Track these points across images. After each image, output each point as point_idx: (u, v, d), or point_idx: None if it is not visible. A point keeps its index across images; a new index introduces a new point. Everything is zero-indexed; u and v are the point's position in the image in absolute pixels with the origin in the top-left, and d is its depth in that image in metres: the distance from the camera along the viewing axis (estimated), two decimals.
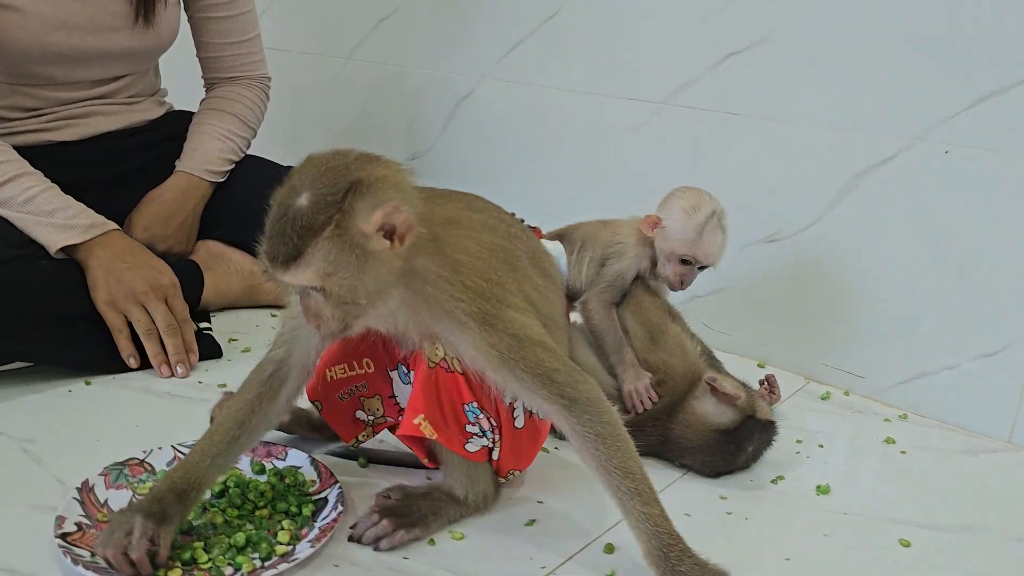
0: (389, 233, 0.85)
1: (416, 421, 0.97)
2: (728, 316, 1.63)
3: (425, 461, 1.09)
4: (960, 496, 1.22)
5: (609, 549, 1.04)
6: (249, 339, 1.53)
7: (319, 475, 1.10)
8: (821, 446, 1.34)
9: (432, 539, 1.03)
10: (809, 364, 1.58)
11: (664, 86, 1.65)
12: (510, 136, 1.90)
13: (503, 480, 1.11)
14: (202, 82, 1.73)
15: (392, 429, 1.15)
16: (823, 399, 1.51)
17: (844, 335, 1.53)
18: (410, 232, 0.87)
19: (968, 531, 1.14)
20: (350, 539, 1.01)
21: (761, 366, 1.61)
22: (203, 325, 1.51)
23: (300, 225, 0.82)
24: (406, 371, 1.09)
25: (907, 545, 1.10)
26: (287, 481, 1.08)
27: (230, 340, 1.51)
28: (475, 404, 0.99)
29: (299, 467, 1.11)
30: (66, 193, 1.40)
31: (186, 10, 1.61)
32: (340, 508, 1.02)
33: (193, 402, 1.32)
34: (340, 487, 1.06)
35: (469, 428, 1.00)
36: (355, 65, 2.14)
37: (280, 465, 1.12)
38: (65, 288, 1.34)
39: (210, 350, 1.45)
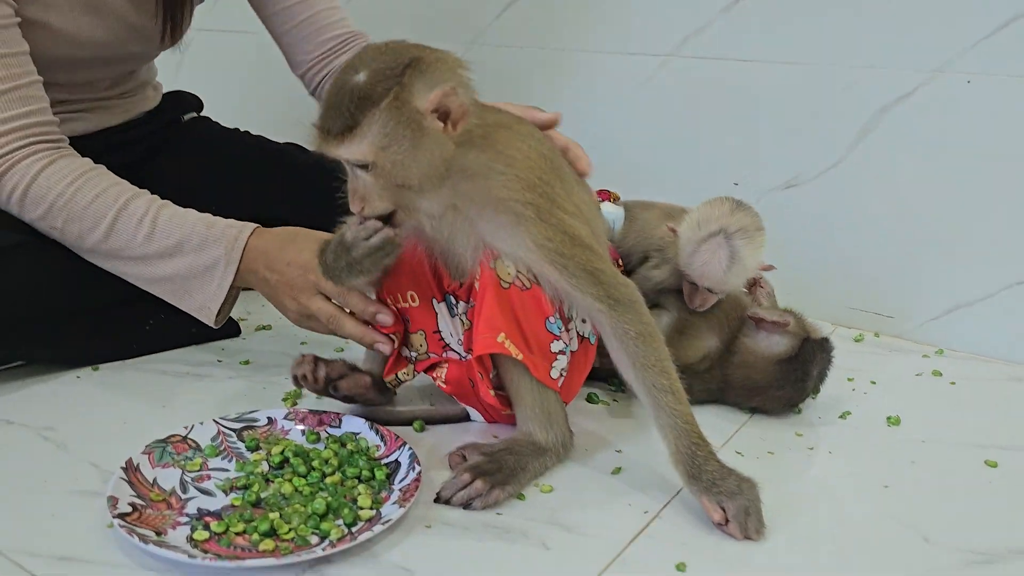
0: (444, 116, 0.85)
1: (500, 339, 0.92)
2: None
3: (481, 413, 1.03)
4: (1018, 419, 1.20)
5: None
6: (263, 317, 1.42)
7: (383, 439, 1.00)
8: (874, 382, 1.31)
9: (521, 494, 0.95)
10: (835, 309, 1.55)
11: (670, 37, 1.61)
12: (508, 100, 1.82)
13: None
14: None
15: (430, 369, 1.05)
16: (856, 341, 1.49)
17: (869, 277, 1.51)
18: (464, 118, 0.86)
19: None
20: (436, 500, 0.92)
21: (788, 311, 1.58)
22: None
23: (358, 96, 0.82)
24: (454, 301, 1.01)
25: (994, 466, 1.07)
26: (349, 447, 0.99)
27: (240, 319, 1.40)
28: (557, 316, 0.95)
29: (358, 432, 1.02)
30: None
31: (258, 12, 1.44)
32: (418, 467, 0.93)
33: (217, 380, 1.20)
34: (411, 448, 0.97)
35: (555, 347, 0.96)
36: None
37: (337, 432, 1.02)
38: (72, 282, 1.20)
39: (228, 328, 1.33)
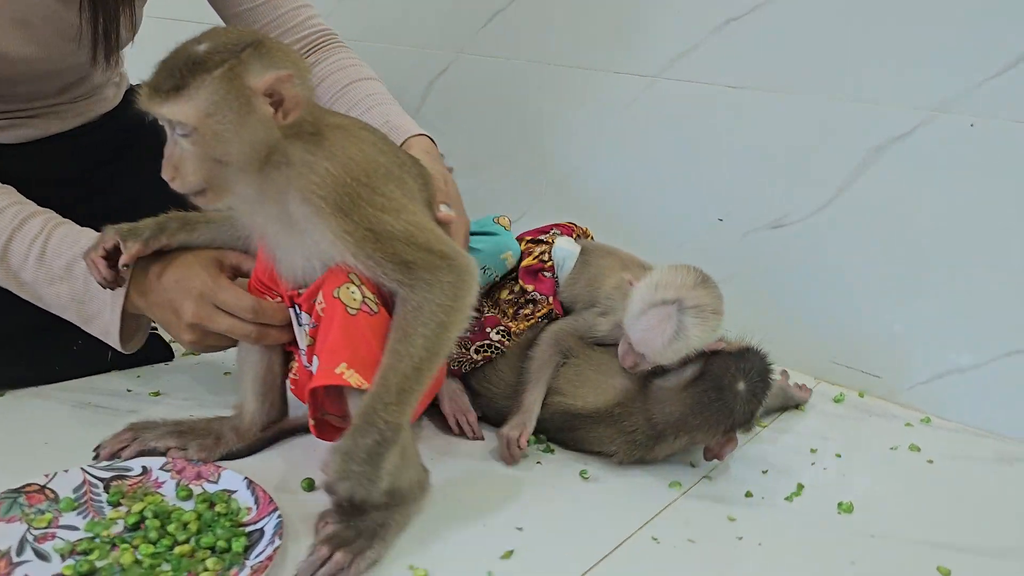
0: (277, 103, 0.85)
1: (339, 370, 0.88)
2: (729, 310, 1.45)
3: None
4: (998, 512, 1.07)
5: None
6: None
7: (256, 501, 0.93)
8: (839, 455, 1.18)
9: None
10: (820, 363, 1.42)
11: (657, 58, 1.49)
12: (489, 115, 1.73)
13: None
14: None
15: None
16: (836, 401, 1.35)
17: (858, 330, 1.38)
18: (297, 109, 0.86)
19: (1012, 555, 0.98)
20: None
21: None
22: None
23: (192, 61, 0.82)
24: (299, 311, 0.98)
25: (946, 574, 0.94)
26: (217, 509, 0.91)
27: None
28: None
29: (233, 491, 0.94)
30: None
31: (219, 13, 1.36)
32: (277, 542, 0.85)
33: (118, 414, 1.14)
34: (279, 515, 0.89)
35: None
36: None
37: (211, 489, 0.95)
38: None
39: (158, 352, 1.27)
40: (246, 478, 0.96)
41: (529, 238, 1.25)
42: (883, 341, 1.35)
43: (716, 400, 1.04)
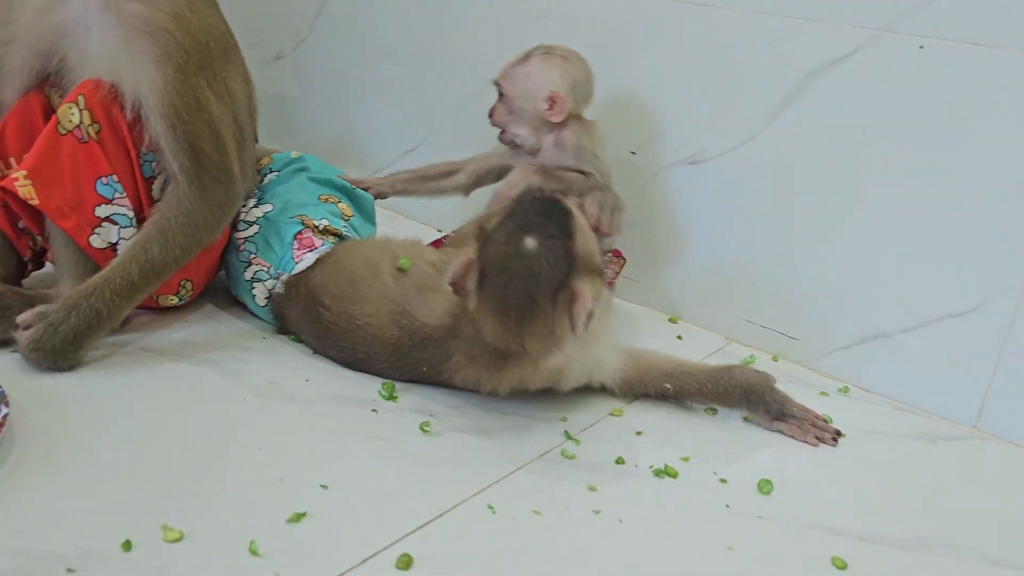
0: None
1: (16, 175, 0.89)
2: (635, 258, 1.28)
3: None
4: (912, 497, 0.90)
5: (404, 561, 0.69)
6: None
7: None
8: (746, 419, 1.01)
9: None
10: (730, 320, 1.25)
11: None
12: (392, 34, 1.52)
13: (173, 300, 1.05)
14: None
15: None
16: (746, 364, 1.18)
17: (775, 285, 1.20)
18: None
19: (921, 546, 0.82)
20: None
21: (673, 321, 1.29)
22: None
23: None
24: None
25: (842, 567, 0.77)
26: None
27: None
28: (115, 178, 0.94)
29: None
30: None
31: None
32: (5, 409, 0.78)
33: None
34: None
35: (100, 211, 0.94)
36: None
37: None
38: None
39: None
40: None
41: None
42: (803, 298, 1.18)
43: (508, 283, 0.82)
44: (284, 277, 1.04)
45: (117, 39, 0.89)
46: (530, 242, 0.82)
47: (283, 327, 1.07)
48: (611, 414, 0.98)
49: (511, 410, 0.96)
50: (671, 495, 0.85)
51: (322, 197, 1.13)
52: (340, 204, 1.14)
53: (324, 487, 0.77)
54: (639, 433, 0.95)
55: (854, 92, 1.10)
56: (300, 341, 1.06)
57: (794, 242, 1.18)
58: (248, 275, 1.07)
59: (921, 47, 1.04)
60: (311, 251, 1.04)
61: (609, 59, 1.24)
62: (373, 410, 0.92)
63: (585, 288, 0.83)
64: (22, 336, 0.87)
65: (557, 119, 1.12)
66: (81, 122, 0.90)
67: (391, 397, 0.95)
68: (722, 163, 1.22)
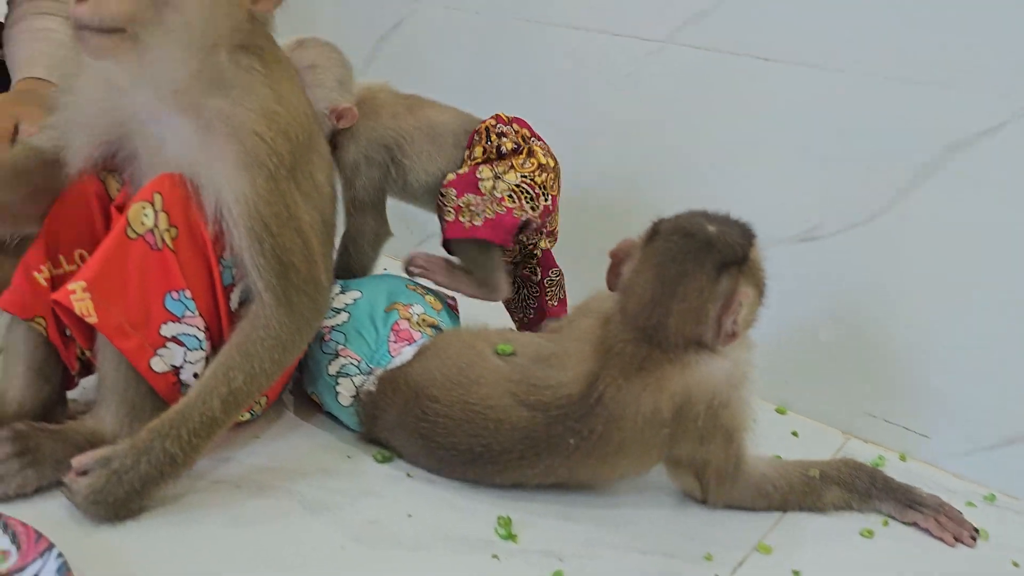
0: None
1: (72, 287, 0.79)
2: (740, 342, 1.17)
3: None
4: None
5: None
6: None
7: (14, 540, 0.71)
8: (886, 524, 0.89)
9: None
10: (850, 414, 1.16)
11: (667, 20, 1.23)
12: (454, 70, 1.44)
13: (246, 416, 0.94)
14: None
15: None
16: (876, 466, 1.06)
17: (903, 374, 1.11)
18: (273, 7, 0.83)
19: None
20: None
21: (781, 412, 1.18)
22: None
23: None
24: None
25: None
26: None
27: None
28: (188, 293, 0.84)
29: None
30: None
31: None
32: None
33: None
34: (60, 555, 0.69)
35: (166, 330, 0.83)
36: None
37: None
38: None
39: None
40: None
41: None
42: (935, 390, 1.09)
43: (681, 240, 0.88)
44: (378, 372, 0.93)
45: (196, 139, 0.80)
46: (712, 227, 0.89)
47: (371, 431, 0.97)
48: (757, 550, 0.86)
49: (650, 547, 0.84)
50: None
51: (409, 287, 1.03)
52: (428, 296, 1.02)
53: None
54: (796, 574, 0.83)
55: (999, 168, 1.00)
56: (388, 458, 0.94)
57: (926, 327, 1.08)
58: (333, 369, 0.96)
59: None
60: (409, 344, 0.95)
61: (706, 118, 1.14)
62: (494, 555, 0.80)
63: (748, 288, 0.88)
64: (79, 485, 0.76)
65: None
66: (156, 225, 0.81)
67: (509, 536, 0.83)
68: (839, 241, 1.14)
